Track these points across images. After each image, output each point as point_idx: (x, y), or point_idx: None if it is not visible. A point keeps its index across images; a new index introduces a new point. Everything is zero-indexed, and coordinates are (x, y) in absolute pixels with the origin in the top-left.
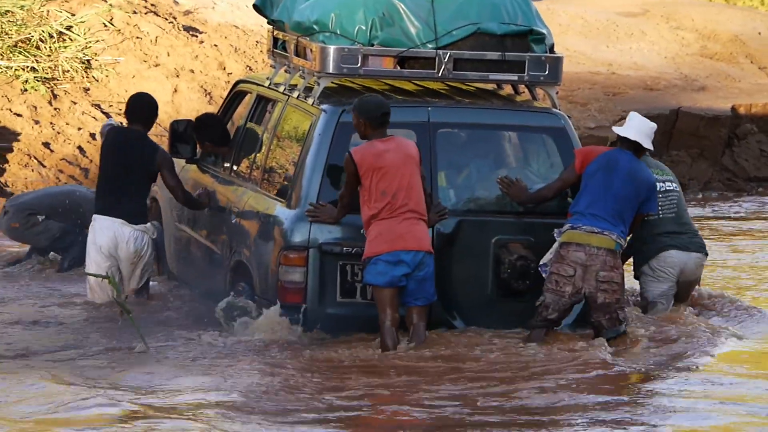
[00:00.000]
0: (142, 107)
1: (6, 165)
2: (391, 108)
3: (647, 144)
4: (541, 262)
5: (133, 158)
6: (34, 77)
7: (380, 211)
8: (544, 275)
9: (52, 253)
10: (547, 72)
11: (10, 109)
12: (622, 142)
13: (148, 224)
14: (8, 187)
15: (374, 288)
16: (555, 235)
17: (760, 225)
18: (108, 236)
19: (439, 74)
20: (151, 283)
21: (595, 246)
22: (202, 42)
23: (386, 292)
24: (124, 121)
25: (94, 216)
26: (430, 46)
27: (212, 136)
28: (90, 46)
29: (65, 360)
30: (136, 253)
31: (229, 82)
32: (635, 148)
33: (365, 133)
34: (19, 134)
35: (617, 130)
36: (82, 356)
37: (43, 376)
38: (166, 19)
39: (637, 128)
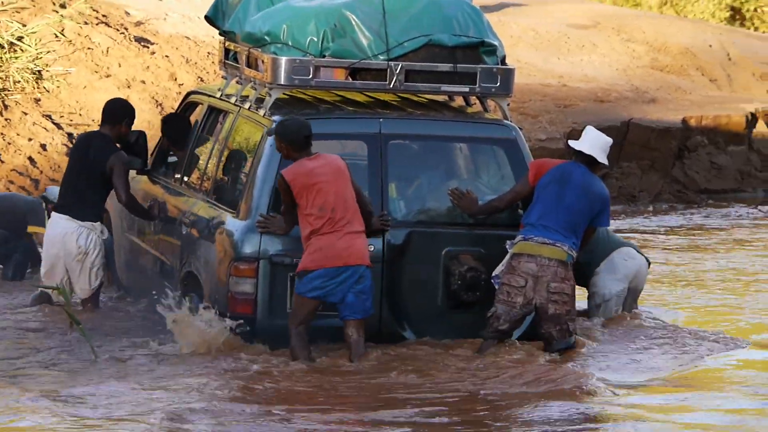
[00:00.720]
0: (108, 110)
1: None
2: (343, 119)
3: (602, 158)
4: (493, 274)
5: (89, 158)
6: None
7: (321, 227)
8: (496, 286)
9: None
10: (498, 84)
11: None
12: (577, 155)
13: (97, 223)
14: None
15: (301, 298)
16: (507, 246)
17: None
18: (56, 232)
19: (391, 86)
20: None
21: (546, 257)
22: (153, 53)
23: (312, 303)
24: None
25: (53, 213)
26: (381, 57)
27: (175, 137)
28: (41, 57)
29: (10, 371)
30: (79, 250)
31: (180, 93)
32: (590, 162)
33: (289, 156)
34: None
35: (573, 144)
36: (27, 366)
37: None
38: (118, 30)
39: (592, 143)
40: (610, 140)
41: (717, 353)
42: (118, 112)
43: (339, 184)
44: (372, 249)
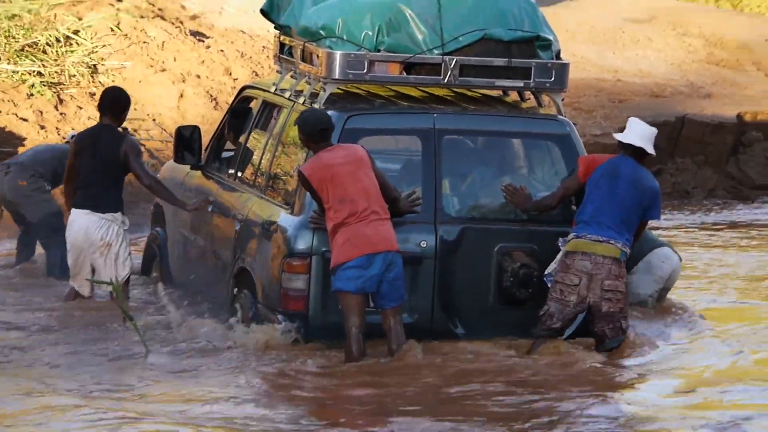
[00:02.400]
0: (110, 101)
1: None
2: (397, 114)
3: (650, 149)
4: (546, 272)
5: (100, 149)
6: (41, 82)
7: (344, 219)
8: (548, 285)
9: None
10: (553, 78)
11: (16, 114)
12: (625, 148)
13: (117, 213)
14: None
15: (343, 295)
16: (559, 244)
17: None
18: (78, 226)
19: (445, 80)
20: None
21: (600, 255)
22: (208, 47)
23: (355, 298)
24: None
25: (72, 209)
26: (436, 52)
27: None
28: (96, 51)
29: (63, 367)
30: (102, 242)
31: (235, 87)
32: (638, 154)
33: (310, 147)
34: (24, 139)
35: (619, 137)
36: (80, 363)
37: (38, 385)
38: (173, 24)
39: (640, 134)
40: (655, 130)
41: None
42: (122, 103)
43: (358, 174)
44: (425, 245)
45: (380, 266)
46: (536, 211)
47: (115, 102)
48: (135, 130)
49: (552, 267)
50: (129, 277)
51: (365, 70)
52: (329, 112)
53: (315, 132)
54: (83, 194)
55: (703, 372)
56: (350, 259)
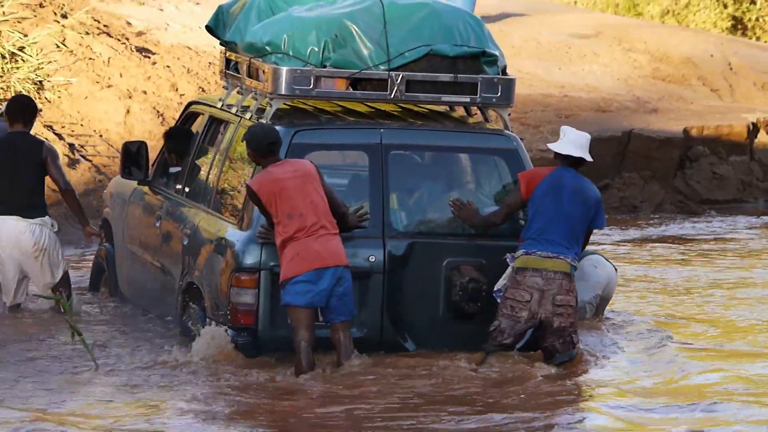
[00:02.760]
0: (22, 108)
1: None
2: (343, 130)
3: (588, 157)
4: (495, 288)
5: (20, 155)
6: None
7: (293, 234)
8: (498, 300)
9: None
10: (499, 94)
11: None
12: (563, 159)
13: (46, 217)
14: None
15: (292, 309)
16: (507, 260)
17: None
18: (6, 234)
19: (392, 96)
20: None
21: (551, 270)
22: (154, 63)
23: (305, 312)
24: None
25: None
26: (382, 67)
27: (178, 149)
28: (42, 67)
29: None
30: (35, 247)
31: (181, 103)
32: (576, 163)
33: (258, 162)
34: None
35: (555, 147)
36: (25, 379)
37: None
38: (119, 40)
39: (576, 142)
40: (589, 136)
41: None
42: (33, 110)
43: (307, 189)
44: (374, 260)
45: (329, 281)
46: (483, 227)
47: (27, 108)
48: (82, 146)
49: (501, 283)
50: (68, 274)
51: (311, 86)
52: (276, 128)
53: (263, 147)
54: (5, 201)
55: (655, 386)
56: (299, 273)
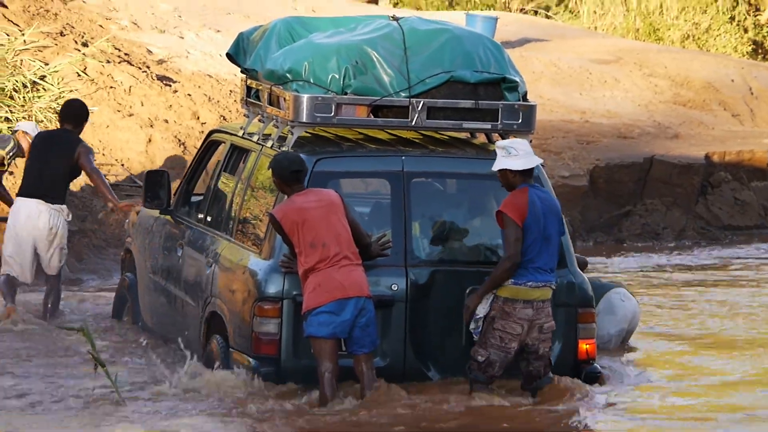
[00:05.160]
0: (72, 110)
1: None
2: (365, 157)
3: (539, 163)
4: (477, 315)
5: (57, 148)
6: (8, 127)
7: (315, 264)
8: (473, 327)
9: None
10: (520, 120)
11: None
12: (524, 174)
13: (63, 206)
14: None
15: (315, 340)
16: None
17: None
18: (25, 214)
19: (413, 123)
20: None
21: (540, 300)
22: (175, 91)
23: (328, 343)
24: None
25: (17, 198)
26: (403, 94)
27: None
28: (63, 96)
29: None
30: (50, 230)
31: (203, 131)
32: (531, 172)
33: (282, 190)
34: None
35: (517, 166)
36: (49, 409)
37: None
38: (140, 69)
39: (529, 153)
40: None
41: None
42: (84, 113)
43: (330, 219)
44: (396, 288)
45: (352, 312)
46: (505, 278)
47: (79, 110)
48: (104, 175)
49: (483, 310)
50: (65, 263)
51: (333, 113)
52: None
53: (287, 174)
54: (32, 185)
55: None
56: (321, 304)
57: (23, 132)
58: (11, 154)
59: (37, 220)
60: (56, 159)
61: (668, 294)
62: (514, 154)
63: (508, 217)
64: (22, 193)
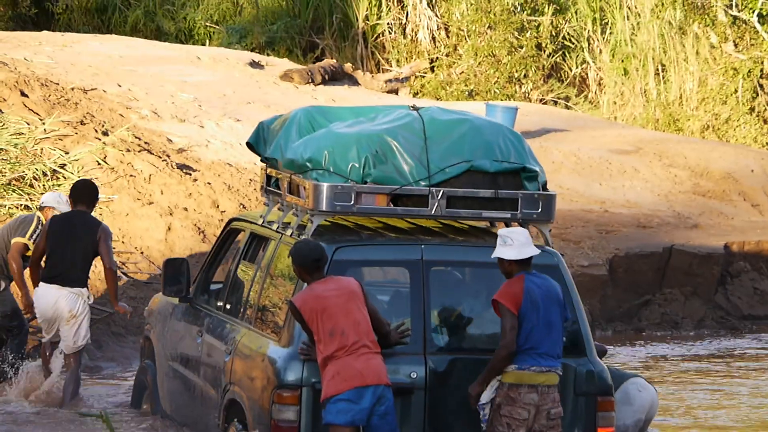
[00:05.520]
0: (84, 190)
1: None
2: (384, 246)
3: (536, 251)
4: (480, 401)
5: (77, 231)
6: None
7: (334, 352)
8: (481, 413)
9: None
10: (540, 209)
11: None
12: (521, 263)
13: (84, 289)
14: None
15: (334, 428)
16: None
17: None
18: (47, 300)
19: (432, 212)
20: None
21: (545, 385)
22: (195, 180)
23: (347, 430)
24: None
25: (40, 284)
26: (423, 183)
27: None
28: None
29: None
30: (70, 312)
31: (222, 219)
32: (528, 262)
33: (303, 279)
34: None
35: (513, 255)
36: None
37: None
38: (160, 157)
39: (526, 242)
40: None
41: None
42: (95, 192)
43: (350, 307)
44: (415, 376)
45: (370, 400)
46: (504, 366)
47: (90, 191)
48: (123, 263)
49: (487, 396)
50: (85, 345)
51: (352, 202)
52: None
53: (308, 263)
54: (53, 270)
55: None
56: (340, 392)
57: (49, 208)
58: (35, 235)
59: (55, 305)
60: (75, 242)
61: (689, 382)
62: (509, 244)
63: (502, 305)
64: (43, 278)
